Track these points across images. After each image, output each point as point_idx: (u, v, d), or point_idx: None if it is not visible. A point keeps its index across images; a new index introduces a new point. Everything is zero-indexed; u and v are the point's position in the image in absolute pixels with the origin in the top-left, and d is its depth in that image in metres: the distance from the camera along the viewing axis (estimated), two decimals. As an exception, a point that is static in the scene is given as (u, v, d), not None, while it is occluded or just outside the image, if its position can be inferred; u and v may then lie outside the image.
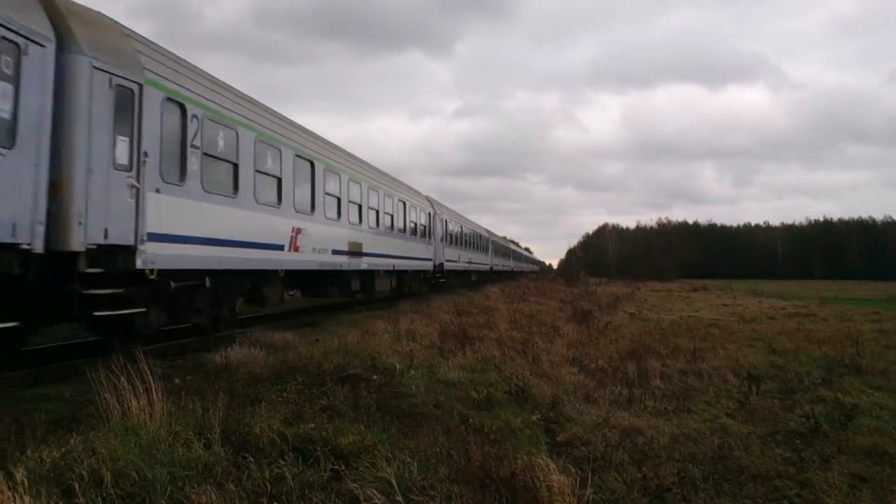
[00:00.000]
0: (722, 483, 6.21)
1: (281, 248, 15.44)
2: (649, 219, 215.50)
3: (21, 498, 4.32)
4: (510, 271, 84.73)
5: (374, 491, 4.90)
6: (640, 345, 14.80)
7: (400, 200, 27.19)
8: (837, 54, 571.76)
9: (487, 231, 62.82)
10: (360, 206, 21.43)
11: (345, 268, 19.87)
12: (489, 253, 59.66)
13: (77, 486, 4.66)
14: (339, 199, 19.40)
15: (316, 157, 17.77)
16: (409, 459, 5.67)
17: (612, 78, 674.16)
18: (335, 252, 18.81)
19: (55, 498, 4.53)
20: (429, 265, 32.86)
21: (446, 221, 37.77)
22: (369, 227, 22.41)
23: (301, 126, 18.22)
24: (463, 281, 46.24)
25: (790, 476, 6.56)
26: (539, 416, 8.47)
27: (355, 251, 20.59)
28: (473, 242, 49.36)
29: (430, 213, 33.53)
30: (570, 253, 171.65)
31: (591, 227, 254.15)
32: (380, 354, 11.17)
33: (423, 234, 31.72)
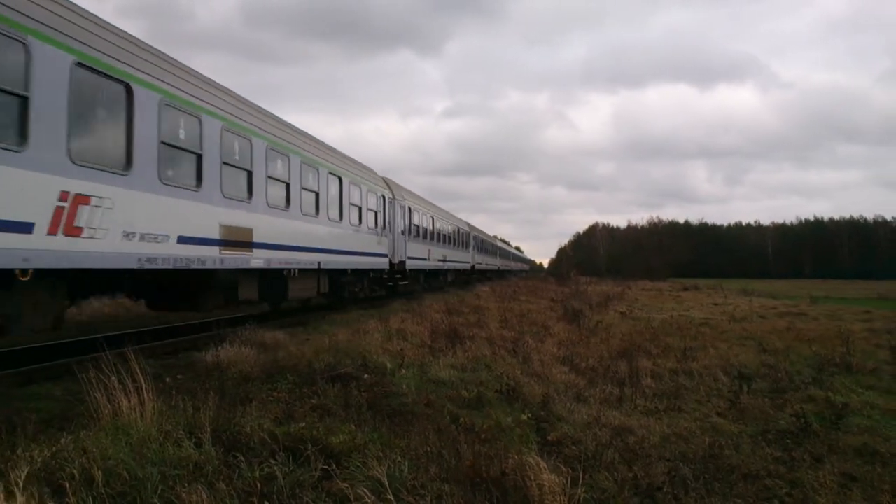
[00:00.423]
0: (712, 482, 6.22)
1: (25, 227, 8.35)
2: (640, 218, 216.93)
3: (19, 497, 4.30)
4: (497, 270, 78.50)
5: (365, 490, 4.90)
6: (630, 344, 14.84)
7: (332, 174, 19.66)
8: (828, 54, 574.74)
9: (469, 225, 55.61)
10: (250, 174, 14.29)
11: (214, 265, 12.70)
12: (470, 249, 52.91)
13: (68, 486, 4.64)
14: (199, 157, 12.41)
15: (135, 79, 10.62)
16: (399, 459, 5.67)
17: (603, 78, 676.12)
18: (188, 240, 11.89)
19: (46, 497, 4.51)
20: (383, 263, 25.62)
21: (410, 210, 30.55)
22: (269, 206, 15.16)
23: (100, 19, 10.53)
24: (437, 282, 40.53)
25: (781, 475, 6.58)
26: (530, 415, 8.46)
27: (237, 240, 13.60)
28: (450, 237, 42.46)
29: (385, 198, 26.30)
30: (561, 252, 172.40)
31: (581, 227, 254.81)
32: (371, 353, 11.17)
33: (375, 224, 24.57)
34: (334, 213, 19.85)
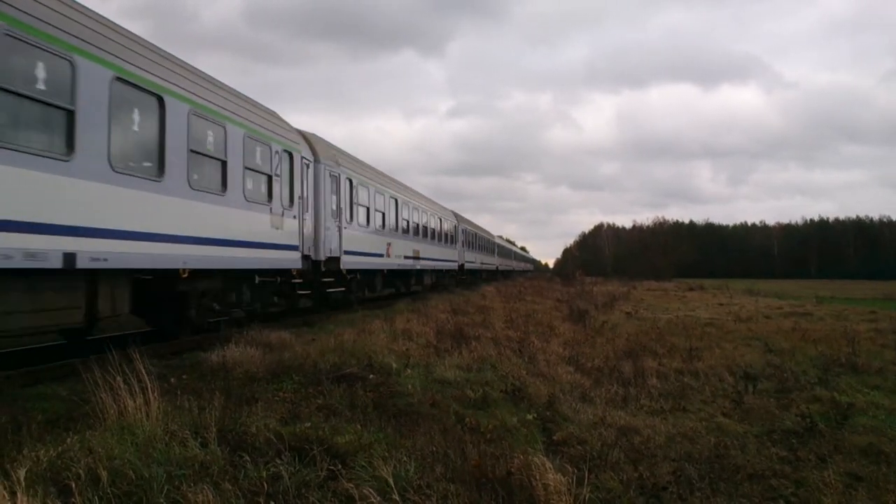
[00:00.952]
0: (718, 482, 6.21)
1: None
2: (645, 218, 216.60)
3: (21, 496, 4.31)
4: (495, 271, 69.46)
5: (371, 490, 4.90)
6: (636, 344, 14.81)
7: (137, 88, 10.89)
8: (831, 54, 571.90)
9: (457, 216, 46.78)
10: None
11: None
12: (458, 245, 44.37)
13: (74, 485, 4.65)
14: None
15: None
16: (405, 458, 5.67)
17: (606, 78, 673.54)
18: None
19: (52, 497, 4.52)
20: (289, 259, 16.53)
21: (351, 184, 21.75)
22: None
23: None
24: (405, 285, 31.85)
25: (786, 475, 6.57)
26: (535, 415, 8.47)
27: None
28: (427, 229, 34.04)
29: (294, 157, 16.98)
30: (567, 252, 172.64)
31: (587, 227, 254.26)
32: (376, 353, 11.18)
33: (269, 196, 15.41)
34: (142, 163, 11.22)
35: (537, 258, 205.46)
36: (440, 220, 38.45)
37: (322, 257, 18.73)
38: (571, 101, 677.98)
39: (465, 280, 48.35)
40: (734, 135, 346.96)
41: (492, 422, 7.72)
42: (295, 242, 16.85)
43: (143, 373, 6.77)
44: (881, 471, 6.74)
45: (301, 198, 17.33)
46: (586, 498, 5.12)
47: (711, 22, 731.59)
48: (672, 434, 7.95)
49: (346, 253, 20.72)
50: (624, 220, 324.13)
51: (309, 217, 18.02)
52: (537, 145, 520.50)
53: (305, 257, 17.58)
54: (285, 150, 16.46)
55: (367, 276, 24.52)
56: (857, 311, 29.54)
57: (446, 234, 40.37)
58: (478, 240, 56.04)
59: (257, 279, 15.55)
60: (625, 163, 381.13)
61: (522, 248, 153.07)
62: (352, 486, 5.02)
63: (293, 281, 17.47)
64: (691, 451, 7.20)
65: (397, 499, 4.87)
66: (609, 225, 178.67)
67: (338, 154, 21.27)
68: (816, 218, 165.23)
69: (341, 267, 20.32)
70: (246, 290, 15.31)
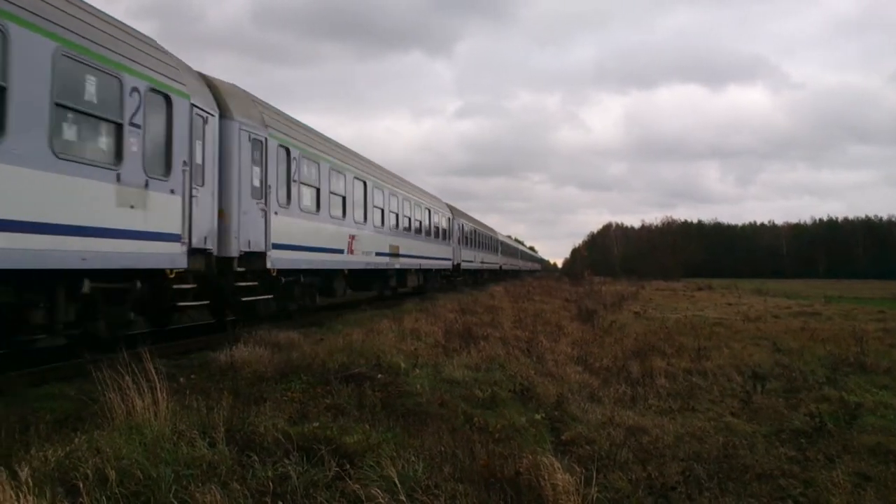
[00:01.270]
0: (726, 482, 6.20)
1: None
2: (654, 218, 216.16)
3: (25, 497, 4.32)
4: (498, 270, 63.39)
5: (379, 490, 4.90)
6: (644, 344, 14.78)
7: None
8: (838, 54, 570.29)
9: (452, 209, 41.19)
10: None
11: None
12: (452, 242, 38.72)
13: (82, 485, 4.65)
14: None
15: None
16: (413, 458, 5.68)
17: (614, 78, 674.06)
18: None
19: (59, 497, 4.53)
20: (161, 254, 11.20)
21: (287, 154, 16.23)
22: None
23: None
24: (380, 287, 26.31)
25: (795, 475, 6.55)
26: (544, 414, 8.47)
27: None
28: (411, 222, 29.02)
29: (171, 101, 11.41)
30: (575, 252, 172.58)
31: (595, 227, 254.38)
32: (384, 353, 11.17)
33: (114, 157, 9.99)
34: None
35: (546, 258, 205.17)
36: (429, 211, 32.76)
37: (234, 252, 13.66)
38: (579, 102, 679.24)
39: (463, 281, 43.75)
40: (742, 135, 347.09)
41: (500, 422, 7.72)
42: (173, 230, 11.56)
43: (152, 372, 6.78)
44: (890, 470, 6.71)
45: (188, 165, 11.99)
46: (594, 498, 5.11)
47: (718, 23, 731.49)
48: (681, 434, 7.93)
49: (277, 247, 15.34)
50: (632, 220, 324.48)
51: (206, 194, 12.77)
52: (545, 145, 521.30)
53: (199, 252, 12.57)
54: (154, 90, 11.03)
55: (318, 278, 19.06)
56: (866, 310, 29.45)
57: (437, 229, 34.67)
58: (478, 236, 49.40)
59: (87, 285, 9.94)
60: (633, 163, 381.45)
61: (531, 248, 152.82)
62: (359, 486, 5.02)
63: (176, 287, 12.03)
64: (700, 451, 7.18)
65: (405, 499, 4.86)
66: (617, 225, 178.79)
67: (265, 112, 15.67)
68: (825, 218, 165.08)
69: (269, 266, 15.03)
70: (66, 305, 9.77)
